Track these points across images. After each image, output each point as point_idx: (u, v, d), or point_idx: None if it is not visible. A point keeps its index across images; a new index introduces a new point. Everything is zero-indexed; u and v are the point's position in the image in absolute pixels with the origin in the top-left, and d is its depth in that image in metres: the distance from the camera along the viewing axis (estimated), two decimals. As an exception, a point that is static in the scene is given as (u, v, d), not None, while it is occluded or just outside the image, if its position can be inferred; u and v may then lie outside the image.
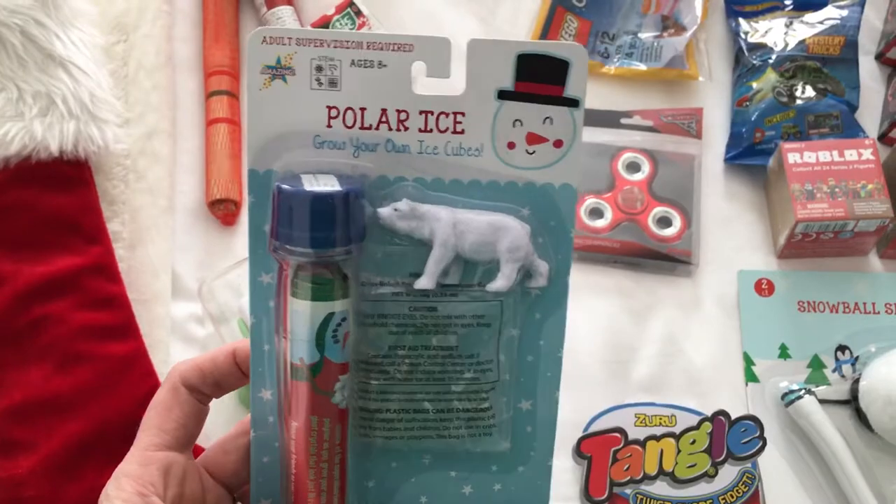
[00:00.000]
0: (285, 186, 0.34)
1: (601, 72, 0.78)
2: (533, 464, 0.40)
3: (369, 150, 0.36)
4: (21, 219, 0.60)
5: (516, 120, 0.36)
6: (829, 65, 0.75)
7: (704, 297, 0.70)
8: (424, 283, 0.36)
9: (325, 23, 0.76)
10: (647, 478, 0.61)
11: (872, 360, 0.64)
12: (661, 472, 0.61)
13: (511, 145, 0.36)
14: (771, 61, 0.75)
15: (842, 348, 0.67)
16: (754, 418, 0.62)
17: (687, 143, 0.74)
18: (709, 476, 0.61)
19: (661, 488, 0.61)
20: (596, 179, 0.72)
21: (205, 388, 0.39)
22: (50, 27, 0.62)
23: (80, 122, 0.62)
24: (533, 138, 0.36)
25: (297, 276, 0.35)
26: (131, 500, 0.35)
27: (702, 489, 0.61)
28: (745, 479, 0.61)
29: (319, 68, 0.35)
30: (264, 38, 0.35)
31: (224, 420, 0.60)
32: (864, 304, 0.69)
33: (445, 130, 0.36)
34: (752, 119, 0.73)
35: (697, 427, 0.62)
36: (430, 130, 0.36)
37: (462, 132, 0.36)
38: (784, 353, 0.67)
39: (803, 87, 0.74)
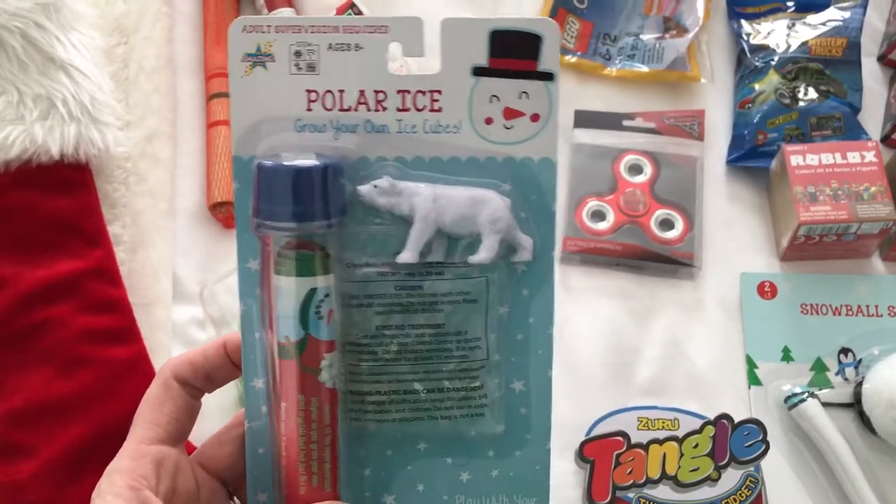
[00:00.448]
0: (266, 163, 0.35)
1: (603, 73, 0.78)
2: (530, 447, 0.40)
3: (349, 132, 0.36)
4: (22, 222, 0.60)
5: (493, 95, 0.36)
6: (832, 66, 0.74)
7: (707, 299, 0.70)
8: (406, 256, 0.37)
9: (326, 25, 0.75)
10: (650, 482, 0.61)
11: (875, 363, 0.64)
12: (664, 476, 0.61)
13: (489, 121, 0.37)
14: (773, 63, 0.75)
15: (845, 351, 0.67)
16: (757, 422, 0.62)
17: (689, 145, 0.74)
18: (712, 480, 0.61)
19: (664, 492, 0.61)
20: (598, 182, 0.72)
21: (196, 381, 0.39)
22: (50, 30, 0.62)
23: (80, 125, 0.62)
24: (510, 113, 0.37)
25: (280, 255, 0.35)
26: (123, 495, 0.34)
27: (705, 493, 0.61)
28: (748, 482, 0.61)
29: (298, 53, 0.36)
30: (244, 26, 0.35)
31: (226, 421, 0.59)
32: (868, 306, 0.68)
33: (423, 108, 0.36)
34: (755, 121, 0.73)
35: (700, 431, 0.62)
36: (408, 109, 0.36)
37: (440, 110, 0.36)
38: (787, 355, 0.67)
39: (806, 89, 0.73)
